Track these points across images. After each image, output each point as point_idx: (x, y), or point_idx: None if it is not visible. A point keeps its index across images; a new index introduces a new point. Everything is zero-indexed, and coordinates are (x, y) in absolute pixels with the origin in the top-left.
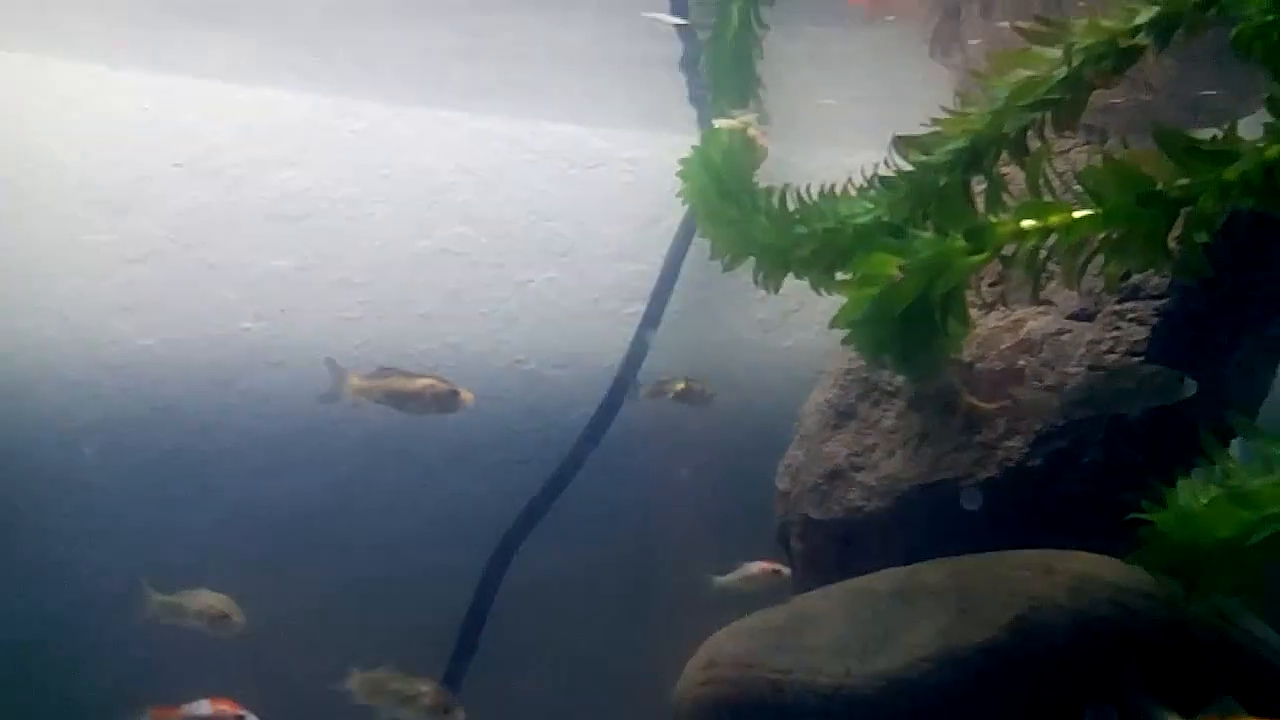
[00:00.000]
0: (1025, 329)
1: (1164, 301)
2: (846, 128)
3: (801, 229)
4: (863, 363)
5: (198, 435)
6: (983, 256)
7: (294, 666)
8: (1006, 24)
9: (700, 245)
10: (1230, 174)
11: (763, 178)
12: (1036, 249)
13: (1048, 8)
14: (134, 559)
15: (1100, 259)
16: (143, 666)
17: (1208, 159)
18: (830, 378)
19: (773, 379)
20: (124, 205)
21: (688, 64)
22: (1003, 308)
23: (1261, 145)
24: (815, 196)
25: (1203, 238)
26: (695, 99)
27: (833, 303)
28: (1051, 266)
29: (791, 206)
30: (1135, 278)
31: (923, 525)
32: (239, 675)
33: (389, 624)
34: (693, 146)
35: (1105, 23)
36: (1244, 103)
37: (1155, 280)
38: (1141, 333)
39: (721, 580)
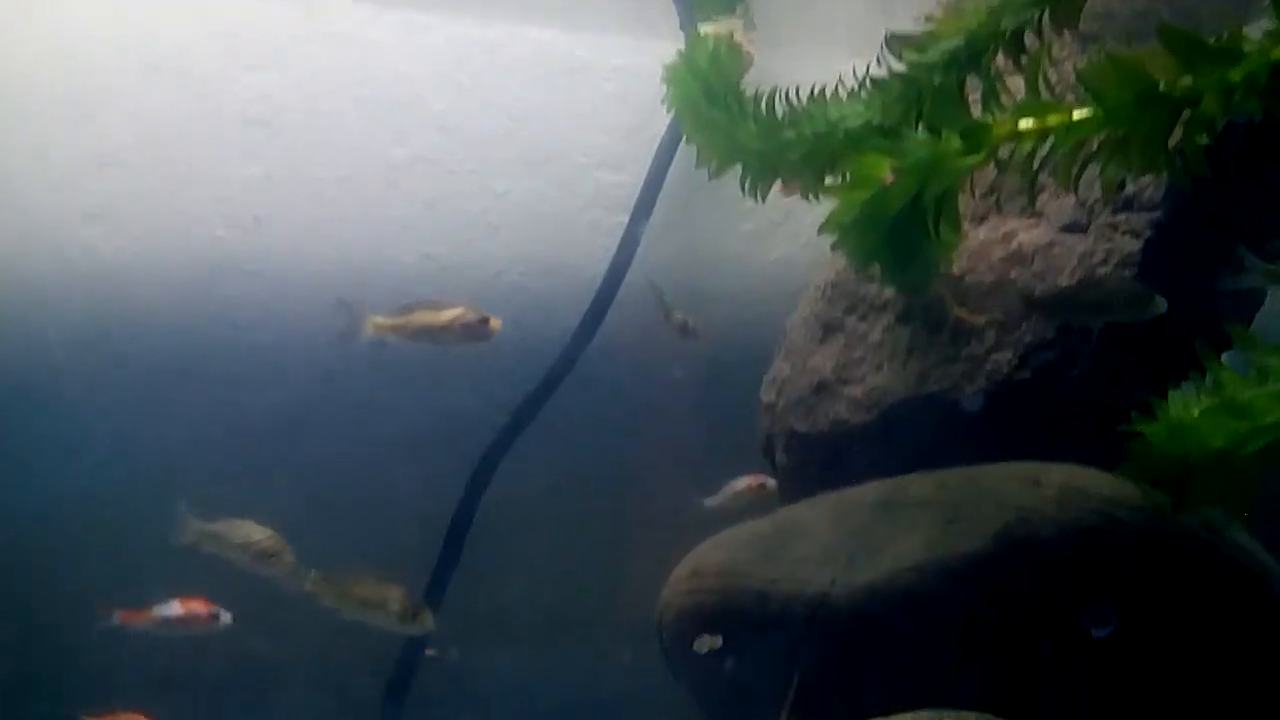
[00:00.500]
0: (1016, 241)
1: (1157, 213)
2: (836, 33)
3: (790, 134)
4: (850, 276)
5: (171, 345)
6: (978, 158)
7: (268, 581)
8: None
9: (683, 156)
10: (1234, 74)
11: (749, 87)
12: (1034, 151)
13: None
14: (106, 470)
15: (1098, 164)
16: (112, 574)
17: (1212, 58)
18: (817, 290)
19: (759, 293)
20: (90, 111)
21: None
22: (996, 216)
23: (1267, 45)
24: (804, 101)
25: (1204, 140)
26: (680, 3)
27: (820, 214)
28: (1046, 175)
29: (780, 112)
30: (1129, 189)
31: (910, 438)
32: (212, 588)
33: (368, 537)
34: (678, 51)
35: None
36: (1245, 13)
37: (1149, 192)
38: (1134, 245)
39: (710, 501)
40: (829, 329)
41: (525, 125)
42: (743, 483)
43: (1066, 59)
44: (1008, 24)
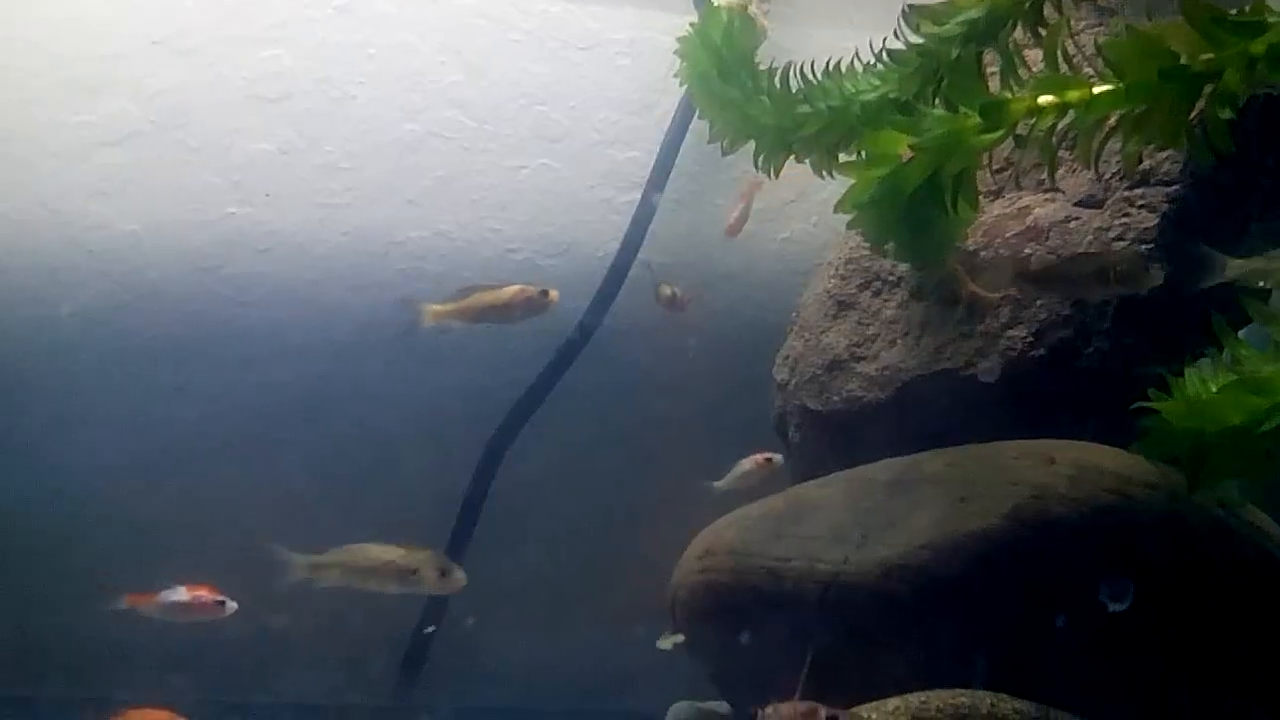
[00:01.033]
0: (1032, 216)
1: (1175, 188)
2: (850, 6)
3: (805, 108)
4: (864, 252)
5: (182, 323)
6: (997, 135)
7: (276, 560)
8: None
9: (694, 133)
10: (1257, 47)
11: (762, 60)
12: (1053, 127)
13: None
14: (117, 447)
15: (1117, 140)
16: (124, 551)
17: (1234, 31)
18: (830, 267)
19: (769, 271)
20: (97, 85)
21: None
22: (1011, 193)
23: None
24: (819, 75)
25: (1227, 114)
26: None
27: (832, 192)
28: (1064, 152)
29: (795, 86)
30: (1146, 163)
31: (923, 416)
32: (220, 569)
33: (377, 517)
34: (690, 25)
35: None
36: None
37: (1166, 166)
38: (1151, 219)
39: (720, 485)
40: (843, 305)
41: (537, 100)
42: (750, 462)
43: (1085, 32)
44: None
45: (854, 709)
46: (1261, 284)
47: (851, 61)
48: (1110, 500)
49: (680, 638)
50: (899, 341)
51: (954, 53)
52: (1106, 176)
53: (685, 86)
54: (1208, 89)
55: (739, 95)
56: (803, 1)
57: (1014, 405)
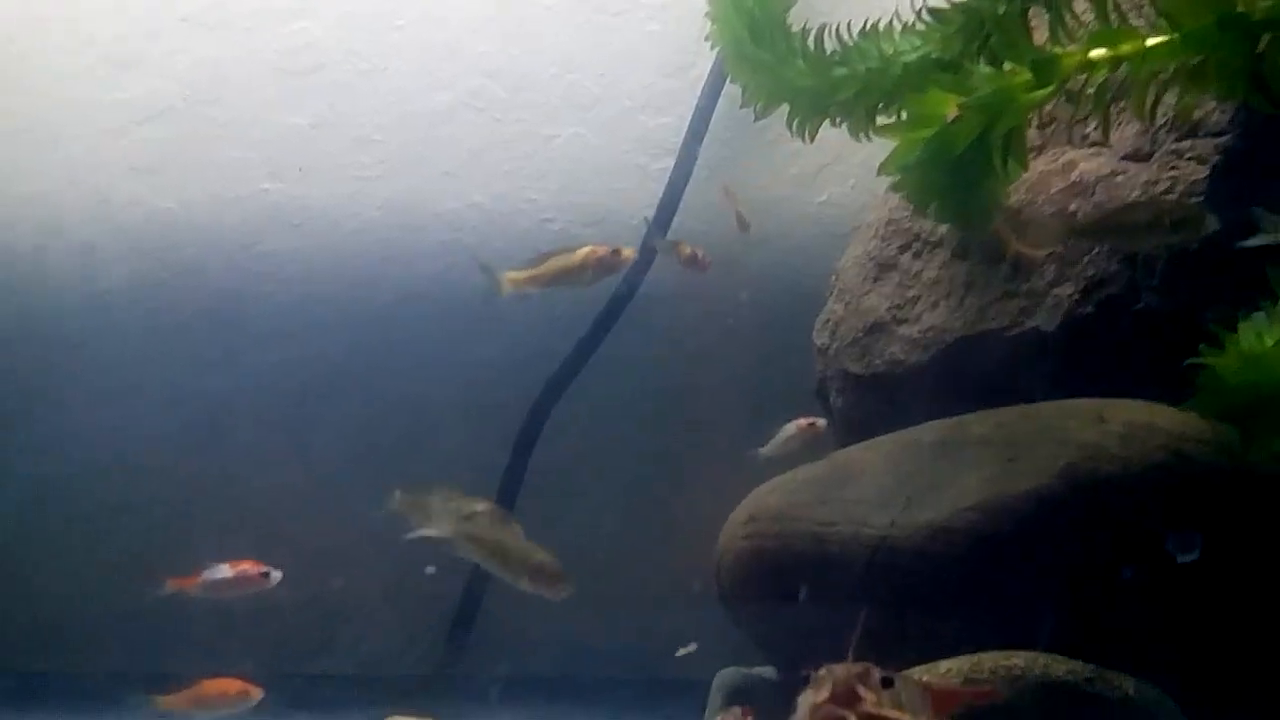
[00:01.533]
0: (1077, 171)
1: (1224, 138)
2: None
3: (842, 70)
4: (904, 213)
5: (219, 298)
6: (1048, 91)
7: (315, 532)
8: None
9: (727, 98)
10: None
11: (796, 22)
12: (1107, 82)
13: None
14: (155, 421)
15: (1173, 92)
16: (164, 531)
17: None
18: (870, 229)
19: (806, 236)
20: (130, 62)
21: None
22: (1055, 148)
23: None
24: (856, 36)
25: None
26: None
27: (869, 154)
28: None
29: (830, 48)
30: (1194, 114)
31: (968, 377)
32: (261, 543)
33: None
34: None
35: None
36: None
37: (1215, 116)
38: (1201, 172)
39: (764, 451)
40: (883, 268)
41: (569, 68)
42: (794, 426)
43: None
44: None
45: (906, 671)
46: None
47: (890, 22)
48: (1163, 458)
49: (694, 647)
50: (941, 303)
51: (1000, 8)
52: (1153, 129)
53: (717, 50)
54: (1266, 37)
55: (772, 58)
56: None
57: (1062, 363)
